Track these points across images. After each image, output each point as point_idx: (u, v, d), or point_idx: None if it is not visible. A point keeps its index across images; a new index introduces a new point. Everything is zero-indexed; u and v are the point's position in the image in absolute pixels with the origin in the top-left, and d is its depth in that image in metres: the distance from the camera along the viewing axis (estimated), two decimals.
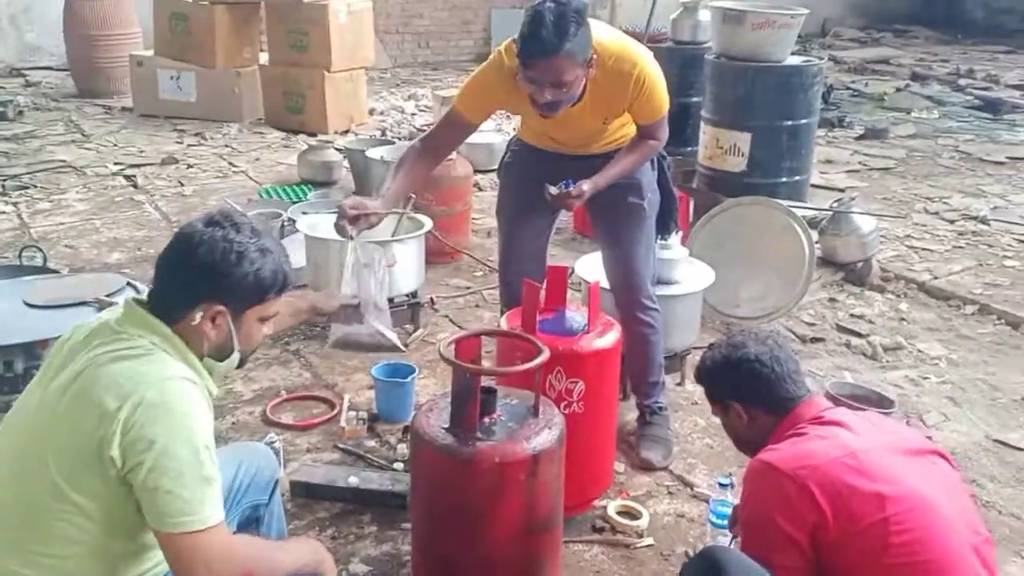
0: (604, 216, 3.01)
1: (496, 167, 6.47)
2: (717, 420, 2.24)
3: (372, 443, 3.18)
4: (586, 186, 2.70)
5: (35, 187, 6.06)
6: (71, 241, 5.09)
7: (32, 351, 2.87)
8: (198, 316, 1.72)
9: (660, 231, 3.17)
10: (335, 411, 3.35)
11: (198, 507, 1.58)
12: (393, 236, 3.95)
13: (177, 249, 1.74)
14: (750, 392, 2.03)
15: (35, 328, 2.93)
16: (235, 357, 1.82)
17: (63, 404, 1.64)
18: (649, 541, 2.68)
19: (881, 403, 3.19)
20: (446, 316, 4.27)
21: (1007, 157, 7.48)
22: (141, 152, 6.97)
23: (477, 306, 4.43)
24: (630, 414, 3.26)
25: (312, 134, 7.42)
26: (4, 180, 6.13)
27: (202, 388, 1.72)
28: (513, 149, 3.13)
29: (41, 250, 4.40)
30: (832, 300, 4.57)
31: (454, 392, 2.10)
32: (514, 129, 7.73)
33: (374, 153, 5.60)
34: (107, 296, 3.11)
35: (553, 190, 2.69)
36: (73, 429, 1.61)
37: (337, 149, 6.48)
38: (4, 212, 5.55)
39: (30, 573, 1.62)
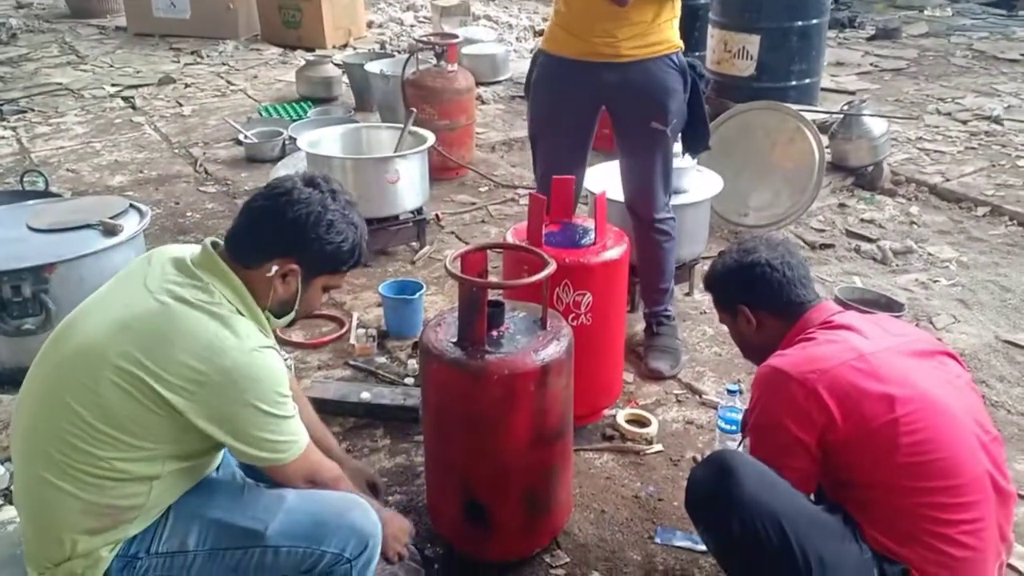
0: (626, 137, 2.93)
1: (498, 79, 6.45)
2: (725, 329, 2.23)
3: (382, 359, 3.20)
4: None
5: (33, 111, 5.99)
6: (72, 165, 5.05)
7: (39, 275, 2.86)
8: (273, 269, 1.75)
9: (687, 151, 3.11)
10: (344, 329, 3.36)
11: (288, 444, 1.72)
12: (396, 152, 3.90)
13: (272, 199, 1.76)
14: (759, 296, 2.01)
15: (41, 252, 2.92)
16: (292, 315, 1.86)
17: (132, 326, 1.64)
18: (658, 448, 2.71)
19: (890, 307, 3.18)
20: (452, 232, 4.25)
21: (1021, 54, 7.31)
22: (138, 73, 6.86)
23: (483, 222, 4.40)
24: (638, 325, 3.26)
25: (310, 49, 7.28)
26: (1, 105, 6.05)
27: (268, 341, 1.74)
28: (540, 63, 2.97)
29: (43, 174, 4.37)
30: (842, 205, 4.52)
31: (461, 306, 2.09)
32: (535, 39, 7.56)
33: (373, 67, 5.50)
34: (111, 219, 3.09)
35: None
36: (137, 358, 1.61)
37: (336, 64, 6.36)
38: (3, 137, 5.49)
39: (67, 486, 1.64)
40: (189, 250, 1.80)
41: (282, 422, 1.70)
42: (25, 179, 4.27)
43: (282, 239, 1.75)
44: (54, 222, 3.11)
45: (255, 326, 1.73)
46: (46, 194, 4.01)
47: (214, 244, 1.79)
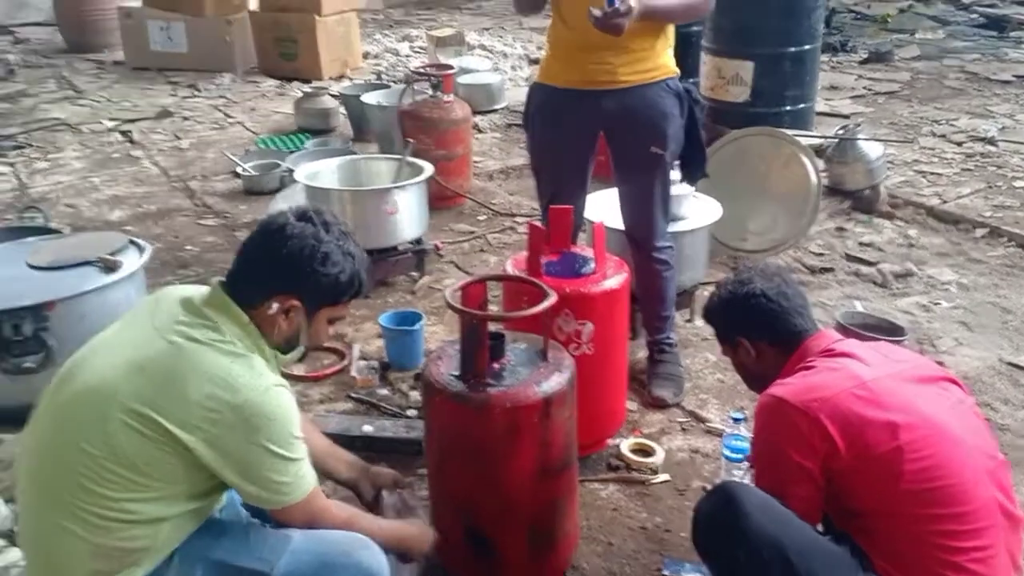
0: (624, 163, 2.94)
1: (494, 107, 6.48)
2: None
3: (384, 391, 3.19)
4: (634, 2, 2.46)
5: (32, 146, 6.00)
6: (71, 200, 5.06)
7: (39, 313, 2.85)
8: (274, 306, 1.76)
9: (685, 179, 3.13)
10: (345, 361, 3.35)
11: (293, 486, 1.71)
12: (394, 183, 3.91)
13: (265, 237, 1.77)
14: (757, 327, 2.02)
15: (41, 290, 2.91)
16: (300, 350, 1.88)
17: (144, 367, 1.65)
18: (664, 477, 2.69)
19: (893, 331, 3.17)
20: (451, 262, 4.25)
21: (1014, 75, 7.36)
22: (135, 106, 6.89)
23: (482, 250, 4.41)
24: (640, 352, 3.25)
25: (306, 80, 7.32)
26: (0, 141, 6.07)
27: (281, 381, 1.75)
28: (537, 95, 2.98)
29: (42, 211, 4.38)
30: (840, 229, 4.53)
31: (463, 339, 2.09)
32: (530, 68, 7.57)
33: (370, 98, 5.52)
34: (110, 255, 3.08)
35: (597, 11, 2.46)
36: (149, 397, 1.62)
37: (333, 95, 6.39)
38: (2, 173, 5.49)
39: (76, 528, 1.63)
40: (196, 290, 1.81)
41: (290, 464, 1.70)
42: (24, 215, 4.28)
43: (279, 276, 1.75)
44: (54, 259, 3.10)
45: (267, 364, 1.74)
46: (45, 230, 4.01)
47: (221, 283, 1.79)
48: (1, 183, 5.34)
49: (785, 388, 1.85)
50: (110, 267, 3.02)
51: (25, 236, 3.62)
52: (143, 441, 1.60)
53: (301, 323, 1.81)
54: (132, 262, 3.11)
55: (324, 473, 2.10)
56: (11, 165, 5.64)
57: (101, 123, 6.48)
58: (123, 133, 6.28)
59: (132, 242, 3.26)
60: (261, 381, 1.67)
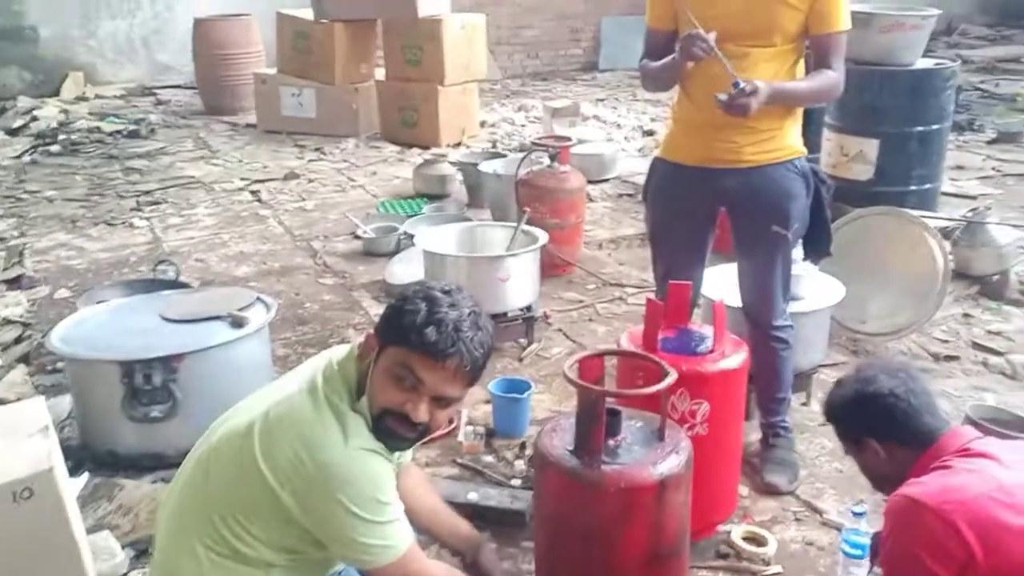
0: (745, 240, 2.91)
1: (606, 177, 6.52)
2: None
3: (489, 458, 3.18)
4: (761, 84, 2.50)
5: (167, 202, 6.36)
6: (201, 255, 5.32)
7: (169, 365, 2.99)
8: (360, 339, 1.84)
9: (809, 258, 3.09)
10: (453, 426, 3.37)
11: (380, 549, 1.73)
12: (508, 251, 3.96)
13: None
14: (887, 428, 1.94)
15: (172, 342, 3.06)
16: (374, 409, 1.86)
17: (268, 409, 1.76)
18: (777, 569, 2.59)
19: None
20: (559, 330, 4.25)
21: None
22: (265, 167, 7.23)
23: (590, 320, 4.40)
24: (752, 434, 3.16)
25: (425, 147, 7.54)
26: (138, 196, 6.46)
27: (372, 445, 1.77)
28: (658, 170, 2.99)
29: (174, 264, 4.61)
30: (967, 315, 4.33)
31: (579, 414, 2.08)
32: (643, 139, 7.64)
33: (487, 167, 5.64)
34: (238, 311, 3.21)
35: (722, 96, 2.50)
36: (256, 436, 1.72)
37: (451, 163, 6.56)
38: (139, 227, 5.83)
39: (192, 565, 1.72)
40: (345, 351, 1.88)
41: (374, 526, 1.71)
42: (158, 268, 4.51)
43: (382, 321, 1.82)
44: (185, 312, 3.25)
45: (365, 427, 1.76)
46: (176, 284, 4.22)
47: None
48: (137, 236, 5.67)
49: (920, 489, 1.76)
50: (238, 323, 3.15)
51: (159, 289, 3.83)
52: (241, 481, 1.69)
53: (371, 363, 1.78)
54: (259, 318, 3.23)
55: (434, 536, 2.13)
56: (147, 220, 5.98)
57: (232, 182, 6.83)
58: (252, 192, 6.59)
59: (259, 299, 3.39)
60: (351, 441, 1.69)
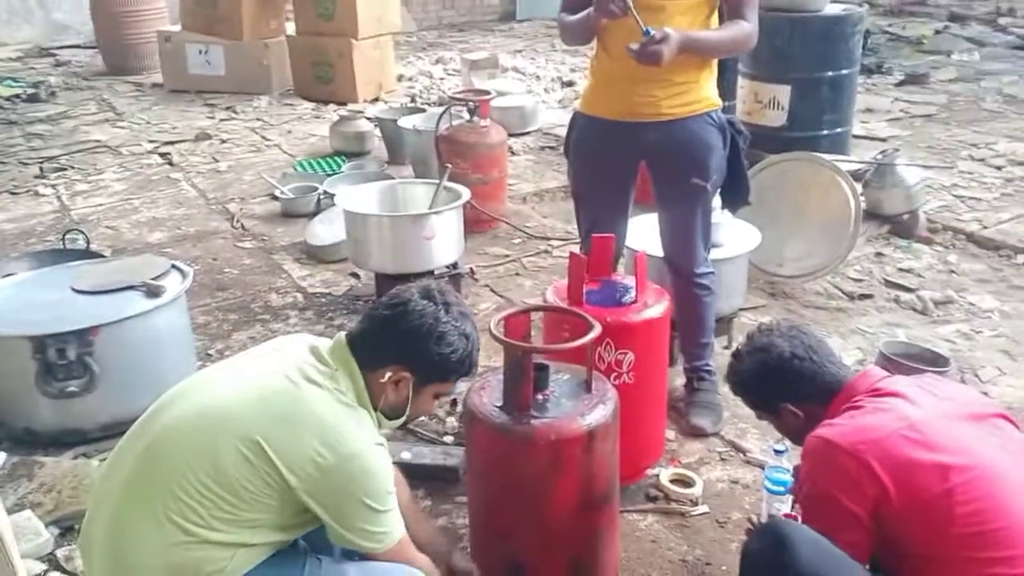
0: (665, 192, 2.94)
1: (527, 130, 6.50)
2: None
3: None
4: (672, 31, 2.51)
5: (72, 168, 6.11)
6: (111, 222, 5.14)
7: (84, 338, 2.89)
8: (387, 375, 1.84)
9: (727, 207, 3.13)
10: None
11: (384, 536, 1.81)
12: (431, 208, 3.93)
13: (390, 309, 1.87)
14: (798, 390, 1.99)
15: (85, 315, 2.96)
16: (402, 420, 1.95)
17: (265, 399, 1.75)
18: (704, 509, 2.67)
19: (936, 362, 3.13)
20: (486, 286, 4.25)
21: None
22: (174, 129, 6.99)
23: (517, 274, 4.41)
24: (677, 379, 3.23)
25: (342, 103, 7.39)
26: (42, 163, 6.18)
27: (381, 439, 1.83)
28: (578, 125, 2.99)
29: (84, 233, 4.44)
30: (879, 255, 4.48)
31: (507, 371, 2.08)
32: (563, 90, 7.59)
33: (406, 122, 5.57)
34: (153, 279, 3.12)
35: (634, 45, 2.51)
36: (264, 430, 1.70)
37: (369, 119, 6.45)
38: (44, 196, 5.59)
39: (156, 537, 1.68)
40: (323, 341, 1.92)
41: (382, 515, 1.79)
42: (67, 238, 4.34)
43: (396, 348, 1.85)
44: (97, 283, 3.15)
45: (371, 421, 1.83)
46: (87, 253, 4.08)
47: (347, 337, 1.89)
48: (43, 205, 5.44)
49: (833, 430, 1.82)
50: (154, 292, 3.06)
51: (68, 259, 3.69)
52: (250, 469, 1.68)
53: (408, 395, 1.89)
54: (175, 287, 3.15)
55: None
56: (53, 187, 5.73)
57: (140, 145, 6.59)
58: (162, 155, 6.37)
59: (174, 266, 3.30)
60: (367, 437, 1.76)
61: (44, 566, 2.45)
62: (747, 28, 2.76)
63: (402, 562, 1.85)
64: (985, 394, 3.06)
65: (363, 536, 1.78)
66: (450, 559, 2.18)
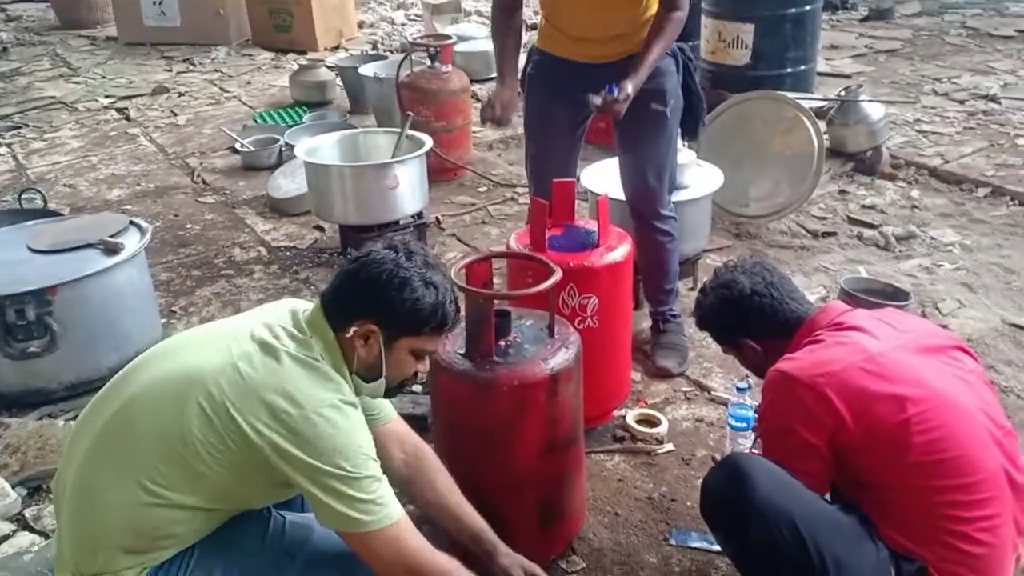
0: (625, 124, 2.91)
1: (492, 76, 6.41)
2: None
3: None
4: (630, 86, 2.61)
5: (27, 126, 5.97)
6: (69, 180, 5.04)
7: (42, 298, 2.86)
8: (352, 330, 1.77)
9: (686, 134, 3.14)
10: None
11: (371, 507, 1.66)
12: (394, 157, 3.89)
13: (351, 263, 1.82)
14: (757, 325, 2.01)
15: (43, 274, 2.91)
16: (381, 382, 1.84)
17: (234, 362, 1.70)
18: (669, 447, 2.71)
19: (896, 296, 3.17)
20: (453, 235, 4.24)
21: (1016, 31, 7.28)
22: (131, 83, 6.84)
23: (483, 222, 4.39)
24: (643, 322, 3.25)
25: (302, 52, 7.26)
26: None
27: (353, 399, 1.76)
28: (534, 59, 3.01)
29: (40, 192, 4.36)
30: (842, 192, 4.51)
31: (468, 318, 2.09)
32: (527, 34, 7.55)
33: (367, 70, 5.48)
34: (111, 237, 3.08)
35: (596, 100, 2.59)
36: (228, 390, 1.66)
37: (329, 68, 6.33)
38: None
39: (119, 494, 1.67)
40: (304, 304, 1.87)
41: (363, 481, 1.66)
42: (23, 197, 4.26)
43: (358, 299, 1.78)
44: (55, 242, 3.10)
45: (345, 384, 1.76)
46: (45, 212, 4.01)
47: (321, 299, 1.84)
48: None
49: (792, 363, 1.84)
50: (112, 249, 3.02)
51: (25, 219, 3.63)
52: (212, 431, 1.64)
53: (380, 351, 1.80)
54: (134, 243, 3.11)
55: (444, 531, 2.05)
56: (8, 146, 5.61)
57: (97, 100, 6.44)
58: (119, 110, 6.25)
59: (133, 223, 3.25)
60: (330, 395, 1.69)
61: (13, 526, 2.45)
62: (676, 19, 2.73)
63: (404, 550, 1.68)
64: (945, 327, 3.11)
65: (346, 503, 1.64)
66: (496, 556, 1.97)
